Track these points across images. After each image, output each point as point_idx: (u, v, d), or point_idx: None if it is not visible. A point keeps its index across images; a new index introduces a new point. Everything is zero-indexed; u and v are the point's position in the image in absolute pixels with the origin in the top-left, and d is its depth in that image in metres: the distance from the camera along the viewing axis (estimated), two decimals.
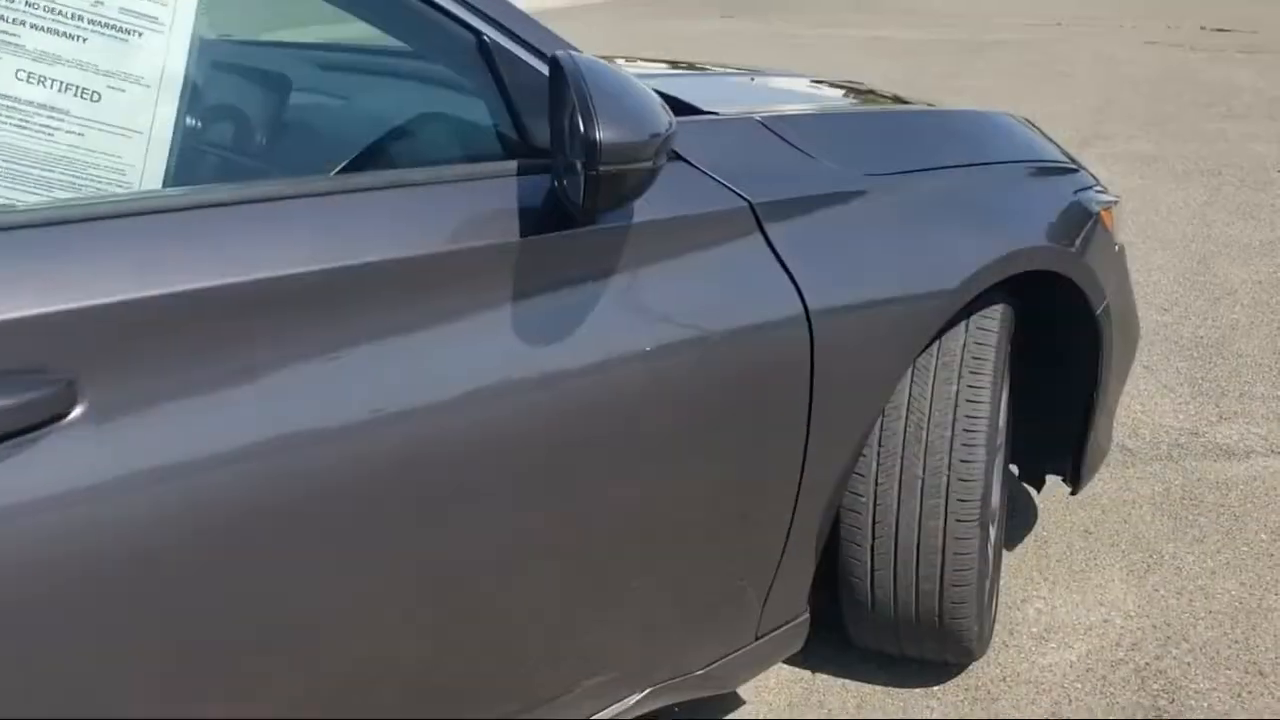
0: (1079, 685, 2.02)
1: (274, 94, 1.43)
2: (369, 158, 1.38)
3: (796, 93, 2.38)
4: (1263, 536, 2.49)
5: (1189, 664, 2.07)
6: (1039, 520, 2.56)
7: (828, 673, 2.04)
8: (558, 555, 1.39)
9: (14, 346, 0.96)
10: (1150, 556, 2.42)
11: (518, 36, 1.33)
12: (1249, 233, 4.82)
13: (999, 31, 12.59)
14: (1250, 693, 1.99)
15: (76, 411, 0.98)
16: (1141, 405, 3.14)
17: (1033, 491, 2.53)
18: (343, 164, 1.36)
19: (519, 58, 1.33)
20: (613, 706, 1.55)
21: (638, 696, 1.58)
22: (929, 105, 2.33)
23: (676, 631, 1.62)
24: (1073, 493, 2.31)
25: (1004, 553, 2.34)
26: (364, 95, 1.55)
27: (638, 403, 1.40)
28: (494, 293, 1.27)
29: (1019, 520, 2.52)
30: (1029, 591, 2.30)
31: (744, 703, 1.96)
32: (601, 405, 1.36)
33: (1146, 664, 2.07)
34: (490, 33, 1.31)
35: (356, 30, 1.29)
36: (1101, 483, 2.69)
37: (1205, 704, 1.96)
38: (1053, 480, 2.38)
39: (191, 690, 1.09)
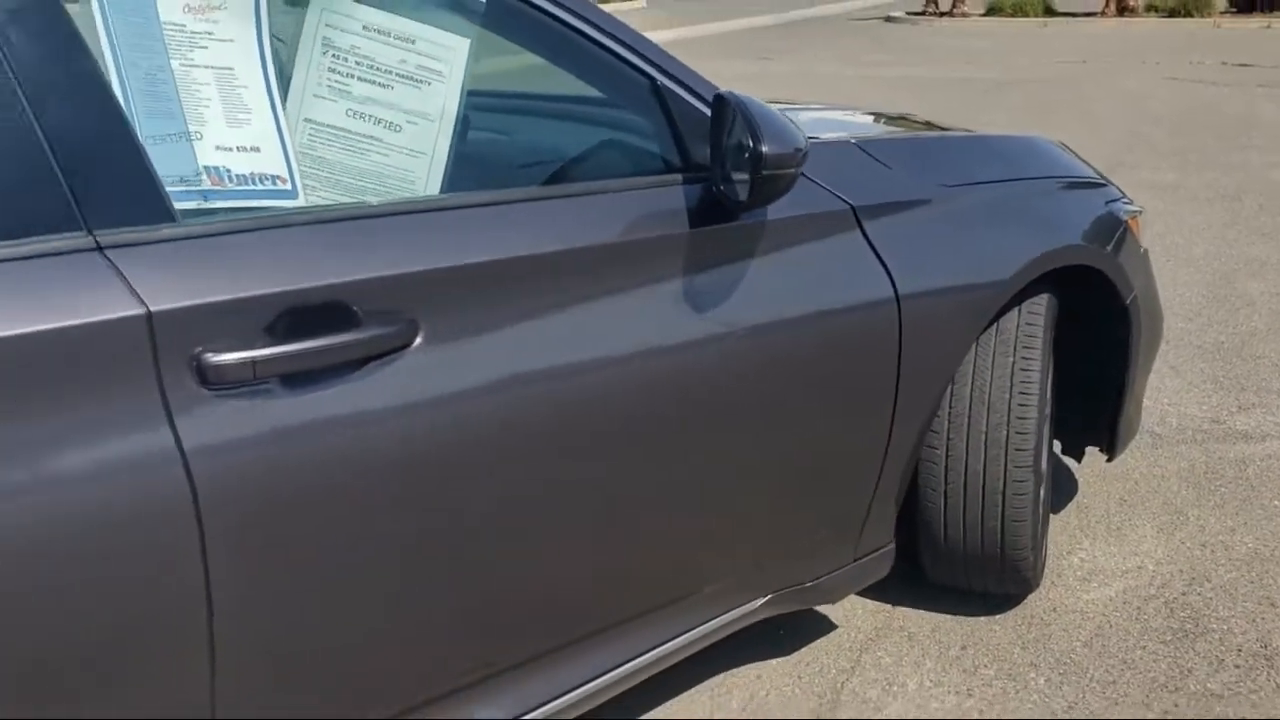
0: (1117, 614, 2.41)
1: (510, 126, 1.87)
2: (570, 172, 1.83)
3: (867, 122, 2.81)
4: (1276, 503, 2.87)
5: (1211, 598, 2.46)
6: (1080, 491, 2.95)
7: (906, 605, 2.44)
8: (710, 485, 1.81)
9: (375, 295, 1.40)
10: (1177, 517, 2.81)
11: (682, 82, 1.77)
12: (1267, 251, 5.20)
13: (1022, 70, 13.03)
14: (1263, 619, 2.37)
15: (417, 341, 1.41)
16: (1169, 399, 3.53)
17: (1073, 464, 2.92)
18: (551, 176, 1.81)
19: (682, 98, 1.77)
20: (747, 605, 1.97)
21: (764, 599, 2.00)
22: (983, 132, 2.76)
23: (793, 551, 2.03)
24: (1109, 460, 2.70)
25: (1050, 516, 2.73)
26: (567, 127, 1.99)
27: (767, 357, 1.82)
28: (667, 269, 1.70)
29: (1063, 491, 2.91)
30: (1073, 545, 2.69)
31: (836, 627, 2.36)
32: (745, 357, 1.78)
33: (1174, 598, 2.46)
34: (661, 79, 1.75)
35: (566, 83, 1.75)
36: (1134, 461, 3.08)
37: (1225, 628, 2.35)
38: (1090, 458, 2.77)
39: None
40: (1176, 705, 2.12)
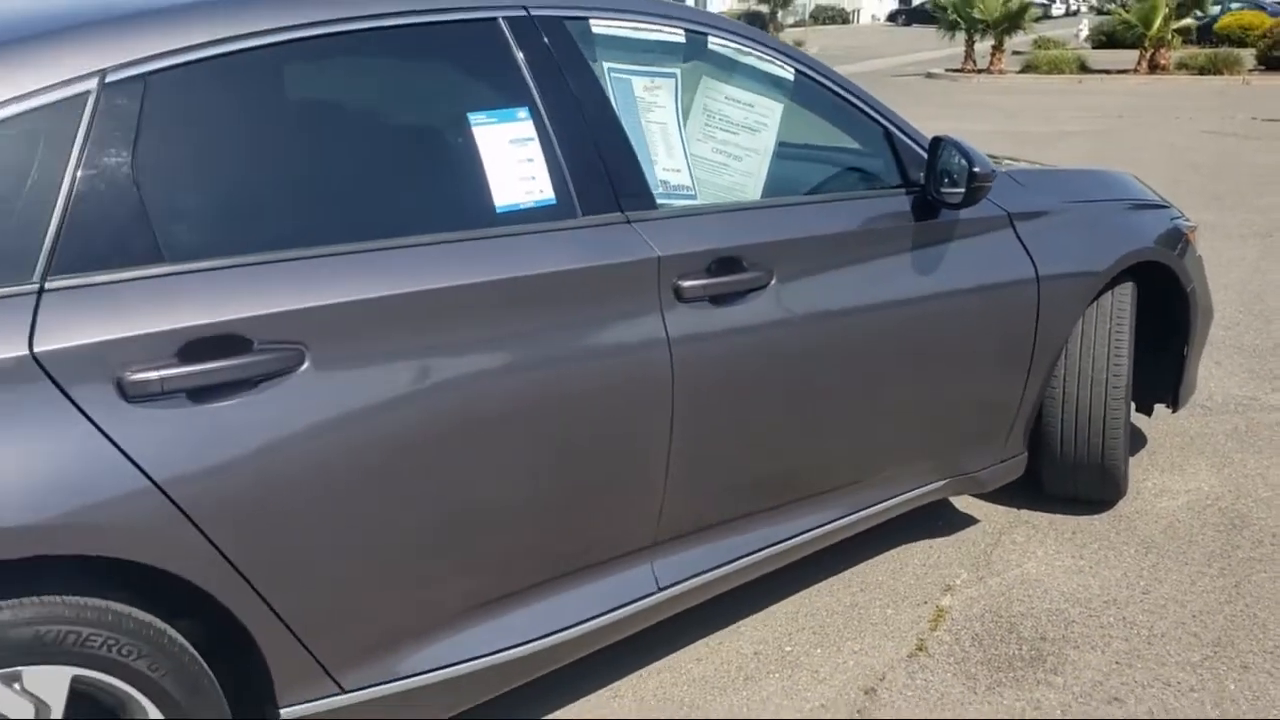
0: (1183, 514, 3.31)
1: (799, 157, 2.83)
2: (835, 185, 2.80)
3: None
4: None
5: (1251, 507, 3.36)
6: (1149, 442, 3.86)
7: (1028, 509, 3.35)
8: (916, 397, 2.75)
9: (750, 252, 2.35)
10: (1224, 459, 3.72)
11: (902, 130, 2.74)
12: None
13: (1064, 124, 14.02)
14: None
15: (772, 282, 2.37)
16: (1215, 384, 4.44)
17: (1145, 422, 3.83)
18: (825, 188, 2.78)
19: (902, 139, 2.73)
20: (933, 484, 2.90)
21: (944, 481, 2.93)
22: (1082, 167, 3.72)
23: (964, 449, 2.95)
24: (1173, 411, 3.62)
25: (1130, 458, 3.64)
26: (833, 158, 2.93)
27: (955, 316, 2.77)
28: (895, 248, 2.66)
29: (1137, 442, 3.82)
30: (1146, 475, 3.60)
31: (979, 520, 3.27)
32: (943, 314, 2.73)
33: (1225, 507, 3.37)
34: (891, 128, 2.72)
35: (834, 133, 2.74)
36: (1189, 423, 4.00)
37: (1261, 524, 3.25)
38: (1158, 418, 3.68)
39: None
40: (1226, 567, 3.02)
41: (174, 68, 1.77)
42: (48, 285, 1.61)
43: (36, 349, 1.57)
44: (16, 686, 1.58)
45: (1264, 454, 3.76)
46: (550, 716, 2.43)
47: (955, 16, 23.94)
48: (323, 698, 1.89)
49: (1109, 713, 2.42)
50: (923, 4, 56.22)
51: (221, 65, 1.83)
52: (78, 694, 1.64)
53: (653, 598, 2.34)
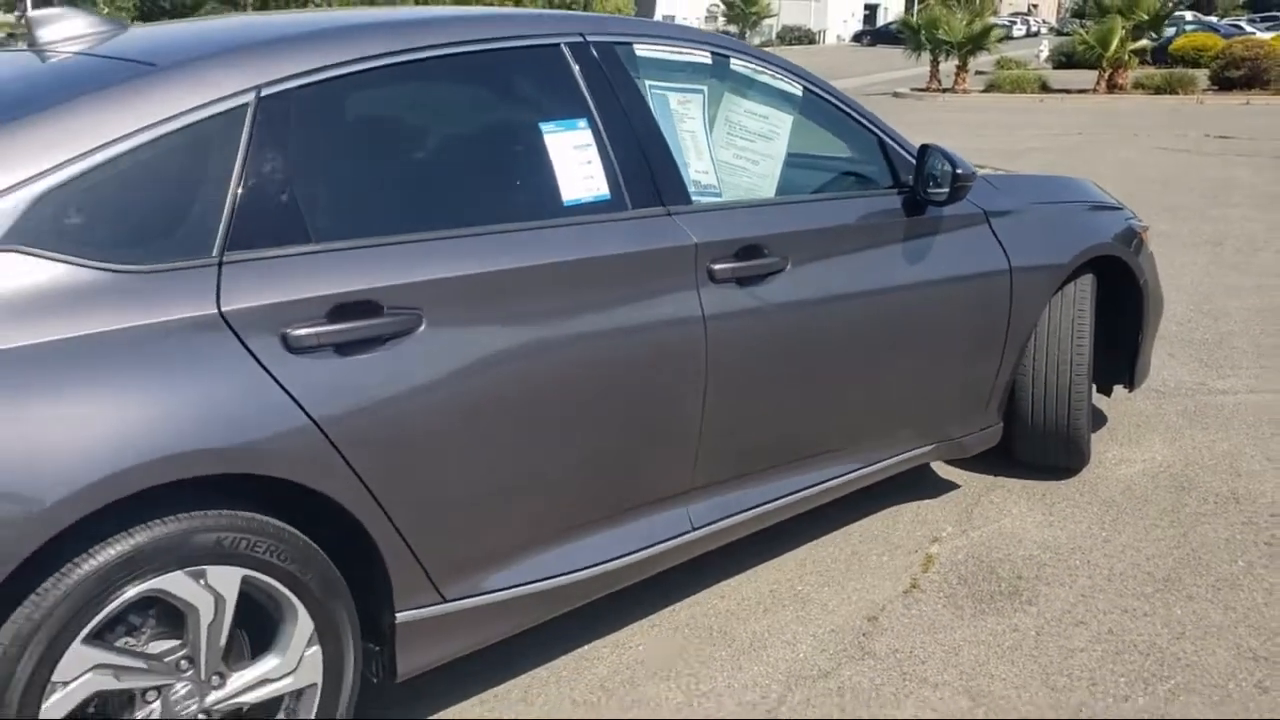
0: (1139, 479, 3.75)
1: (805, 164, 3.24)
2: (835, 186, 3.22)
3: None
4: (1244, 427, 4.23)
5: (1199, 472, 3.81)
6: (1109, 421, 4.31)
7: (1003, 475, 3.78)
8: (908, 370, 3.17)
9: (772, 242, 2.76)
10: (1176, 434, 4.17)
11: (893, 137, 3.17)
12: (1240, 281, 6.62)
13: (1026, 141, 14.60)
14: (1234, 481, 3.72)
15: (788, 267, 2.78)
16: (1169, 373, 4.90)
17: (1104, 400, 4.28)
18: (827, 188, 3.20)
19: (893, 145, 3.16)
20: (921, 448, 3.32)
21: (932, 445, 3.36)
22: (1047, 174, 4.18)
23: (949, 416, 3.38)
24: (1129, 390, 4.06)
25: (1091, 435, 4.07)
26: (833, 164, 3.35)
27: (940, 299, 3.19)
28: (887, 240, 3.08)
29: (1098, 420, 4.26)
30: (1107, 448, 4.04)
31: (959, 486, 3.70)
32: (931, 297, 3.15)
33: (1176, 472, 3.81)
34: (883, 136, 3.15)
35: (834, 142, 3.16)
36: (1145, 405, 4.45)
37: (1207, 485, 3.69)
38: (1116, 400, 4.13)
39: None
40: (1176, 520, 3.46)
41: (314, 84, 2.17)
42: (225, 259, 2.00)
43: (223, 308, 1.96)
44: (202, 581, 1.95)
45: (1210, 430, 4.22)
46: (601, 640, 2.82)
47: (922, 37, 24.64)
48: (427, 605, 2.27)
49: (1076, 634, 2.84)
50: (887, 25, 57.32)
51: (350, 81, 2.23)
52: (244, 591, 2.01)
53: (687, 536, 2.74)
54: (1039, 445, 3.69)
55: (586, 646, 2.80)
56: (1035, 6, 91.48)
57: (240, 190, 2.04)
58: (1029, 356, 3.55)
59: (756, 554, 3.20)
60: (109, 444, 1.82)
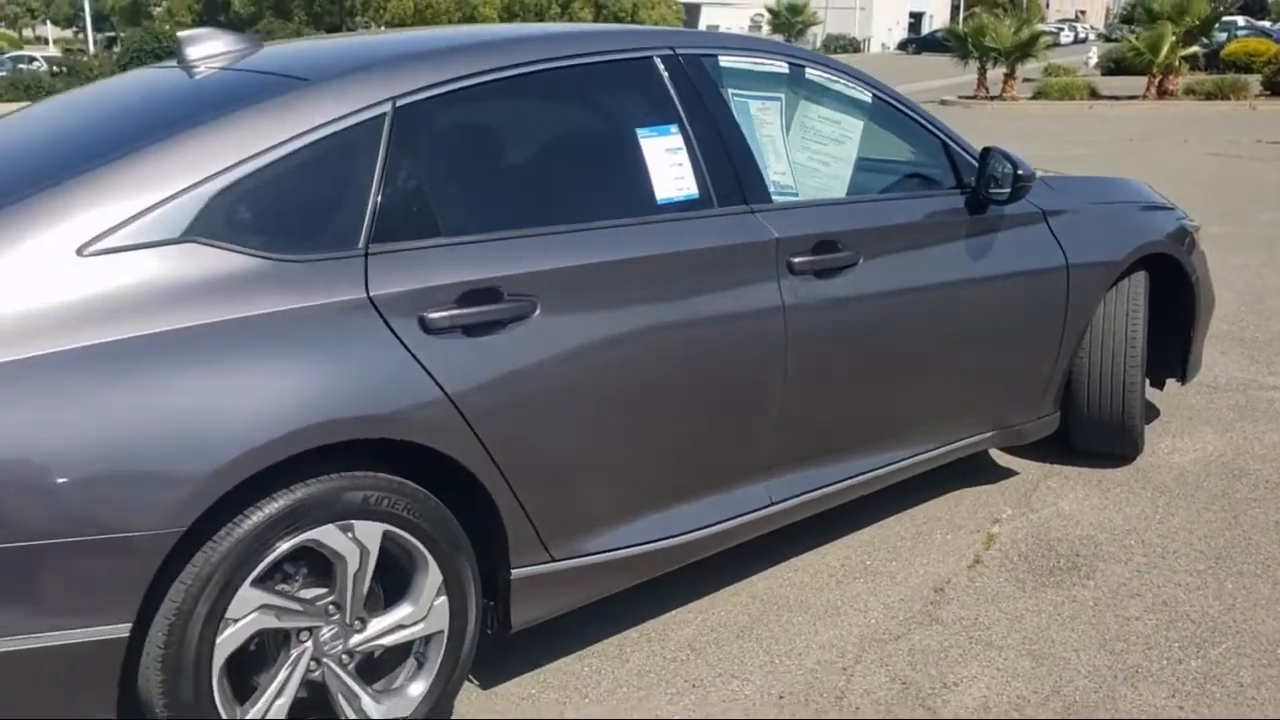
0: (1191, 467, 3.93)
1: (875, 167, 3.47)
2: (902, 187, 3.44)
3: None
4: None
5: (1249, 462, 3.97)
6: (1162, 413, 4.47)
7: (1060, 463, 3.97)
8: (964, 360, 3.37)
9: (845, 238, 2.98)
10: (1227, 426, 4.33)
11: (957, 141, 3.38)
12: None
13: (1078, 147, 14.66)
14: None
15: (860, 261, 3.00)
16: (1220, 369, 5.05)
17: (1158, 394, 4.44)
18: (895, 188, 3.42)
19: (955, 149, 3.37)
20: (985, 434, 3.52)
21: (993, 432, 3.55)
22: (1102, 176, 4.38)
23: (1009, 404, 3.57)
24: (1182, 384, 4.23)
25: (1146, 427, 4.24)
26: (901, 166, 3.57)
27: (1000, 293, 3.39)
28: (952, 236, 3.29)
29: (1151, 413, 4.43)
30: (1160, 439, 4.21)
31: (1018, 473, 3.89)
32: (988, 292, 3.36)
33: (1226, 462, 3.98)
34: (947, 140, 3.36)
35: (901, 146, 3.38)
36: (1196, 399, 4.61)
37: (1256, 474, 3.85)
38: (1169, 393, 4.30)
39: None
40: (1227, 505, 3.63)
41: (440, 95, 2.43)
42: (370, 250, 2.26)
43: (371, 293, 2.22)
44: (350, 535, 2.21)
45: (1261, 423, 4.37)
46: (685, 606, 3.04)
47: (969, 44, 24.70)
48: (538, 564, 2.51)
49: (1132, 604, 3.02)
50: (933, 33, 57.27)
51: (472, 93, 2.48)
52: (384, 545, 2.27)
53: (765, 510, 2.96)
54: (1095, 434, 3.87)
55: (673, 612, 3.03)
56: (1083, 13, 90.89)
57: (381, 189, 2.30)
58: (1085, 349, 3.74)
59: (826, 534, 3.41)
60: (275, 410, 2.08)
